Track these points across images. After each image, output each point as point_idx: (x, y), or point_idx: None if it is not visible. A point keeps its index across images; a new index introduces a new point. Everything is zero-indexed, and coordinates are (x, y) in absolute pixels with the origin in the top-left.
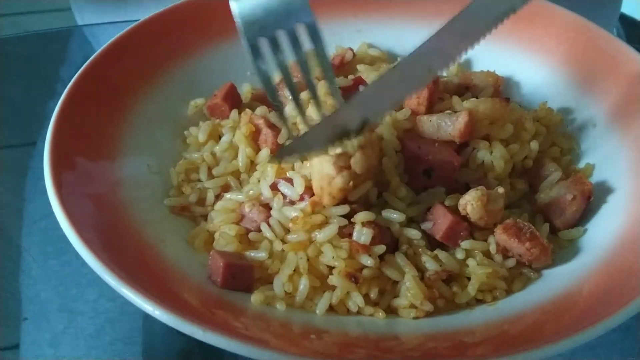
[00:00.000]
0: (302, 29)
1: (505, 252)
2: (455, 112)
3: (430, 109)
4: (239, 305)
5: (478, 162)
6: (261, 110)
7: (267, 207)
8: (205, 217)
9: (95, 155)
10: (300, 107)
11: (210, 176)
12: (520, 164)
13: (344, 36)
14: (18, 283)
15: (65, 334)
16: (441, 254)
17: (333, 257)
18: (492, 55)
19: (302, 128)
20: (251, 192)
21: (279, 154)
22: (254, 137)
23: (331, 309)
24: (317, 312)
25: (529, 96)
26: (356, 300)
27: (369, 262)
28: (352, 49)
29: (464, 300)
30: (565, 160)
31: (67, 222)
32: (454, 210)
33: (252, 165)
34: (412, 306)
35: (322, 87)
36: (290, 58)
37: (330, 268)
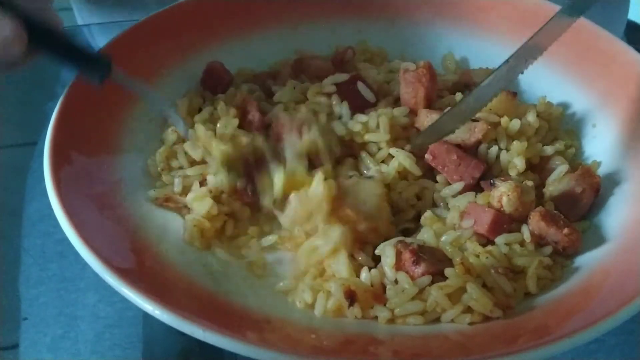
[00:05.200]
0: None
1: (538, 241)
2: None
3: (429, 107)
4: (239, 304)
5: (493, 160)
6: (258, 95)
7: None
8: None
9: (96, 154)
10: None
11: (191, 161)
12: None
13: (344, 36)
14: (18, 284)
15: (65, 338)
16: (492, 249)
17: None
18: (491, 53)
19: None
20: None
21: (414, 141)
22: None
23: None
24: (316, 313)
25: (527, 97)
26: (354, 312)
27: (384, 313)
28: (352, 48)
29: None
30: (569, 153)
31: (67, 221)
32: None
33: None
34: (466, 311)
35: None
36: None
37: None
